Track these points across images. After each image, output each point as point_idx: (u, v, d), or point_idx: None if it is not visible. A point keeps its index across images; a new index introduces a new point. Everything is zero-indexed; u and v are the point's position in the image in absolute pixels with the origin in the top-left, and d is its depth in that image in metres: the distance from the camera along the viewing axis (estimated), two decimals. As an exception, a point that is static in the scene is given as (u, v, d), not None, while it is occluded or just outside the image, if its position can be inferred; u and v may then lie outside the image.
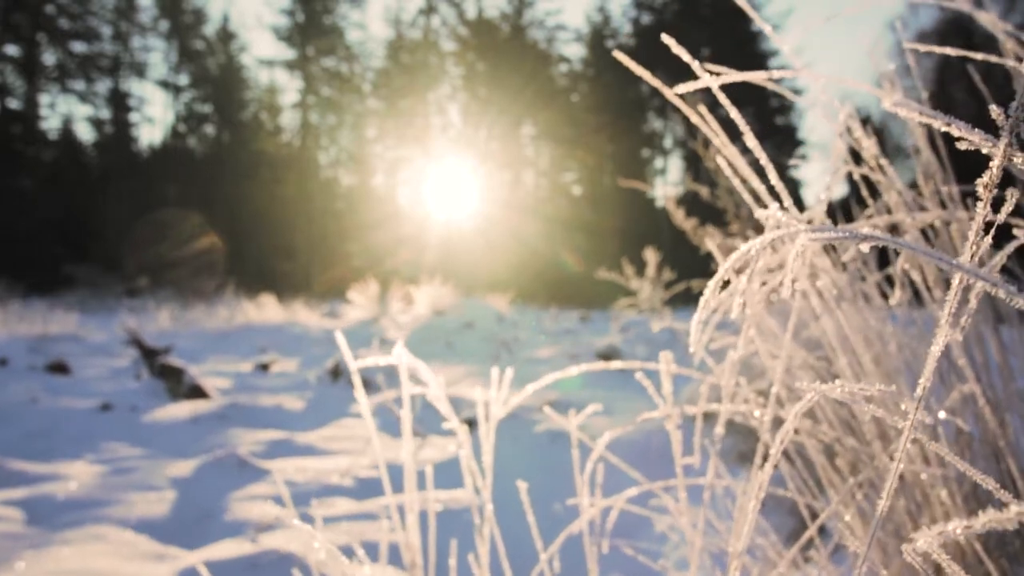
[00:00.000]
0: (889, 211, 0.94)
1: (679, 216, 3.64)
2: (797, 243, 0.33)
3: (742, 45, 37.12)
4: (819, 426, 0.77)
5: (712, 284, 0.44)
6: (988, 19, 0.74)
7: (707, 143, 3.73)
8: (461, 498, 2.64)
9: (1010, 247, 0.37)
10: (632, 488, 0.97)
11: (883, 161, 0.83)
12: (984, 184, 0.30)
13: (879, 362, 0.78)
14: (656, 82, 0.96)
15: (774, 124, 36.64)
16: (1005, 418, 0.73)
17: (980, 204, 0.30)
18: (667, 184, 38.84)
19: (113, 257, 26.73)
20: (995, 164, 0.29)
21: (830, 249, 0.85)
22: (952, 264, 0.28)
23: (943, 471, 0.67)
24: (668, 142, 36.73)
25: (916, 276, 0.89)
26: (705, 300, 0.46)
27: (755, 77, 0.67)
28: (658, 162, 38.72)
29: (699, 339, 0.46)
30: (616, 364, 0.95)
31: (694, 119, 0.84)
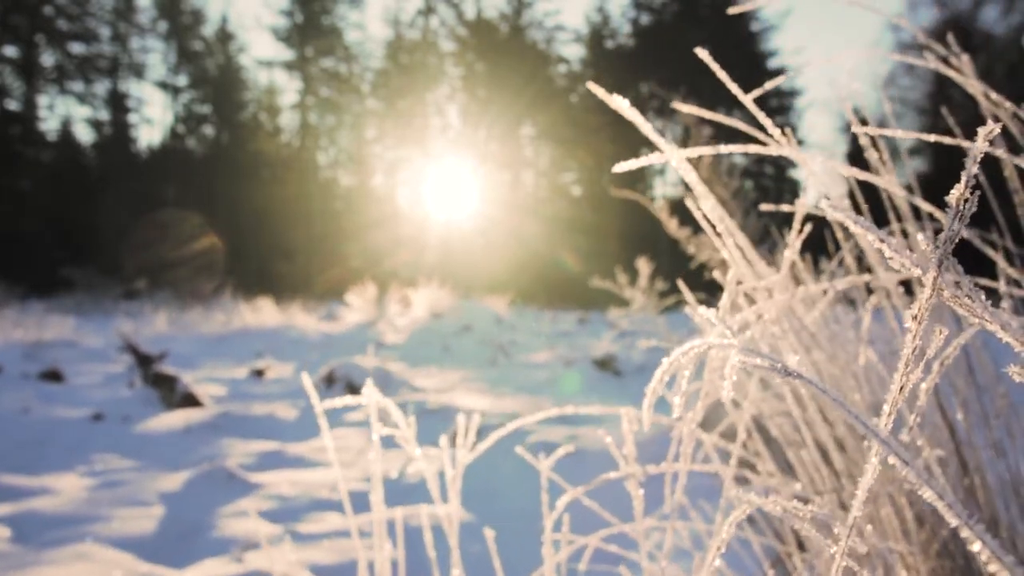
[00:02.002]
0: (862, 263, 0.93)
1: (672, 225, 3.62)
2: (730, 361, 0.32)
3: (741, 45, 37.12)
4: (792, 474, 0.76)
5: (659, 374, 0.43)
6: (963, 80, 0.73)
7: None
8: (451, 512, 2.63)
9: (944, 360, 0.35)
10: (604, 530, 0.95)
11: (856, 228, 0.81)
12: (913, 316, 0.28)
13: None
14: (647, 125, 0.94)
15: (774, 124, 36.52)
16: (975, 480, 0.72)
17: (909, 336, 0.28)
18: (666, 184, 38.84)
19: (112, 258, 26.72)
20: (924, 297, 0.28)
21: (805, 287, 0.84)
22: (869, 429, 0.27)
23: (908, 547, 0.65)
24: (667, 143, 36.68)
25: (891, 320, 0.88)
26: (660, 374, 0.44)
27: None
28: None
29: (651, 409, 0.45)
30: (595, 409, 0.94)
31: (683, 168, 0.83)
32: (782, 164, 36.32)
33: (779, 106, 36.98)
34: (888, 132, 0.49)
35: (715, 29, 36.85)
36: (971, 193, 0.26)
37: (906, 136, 0.52)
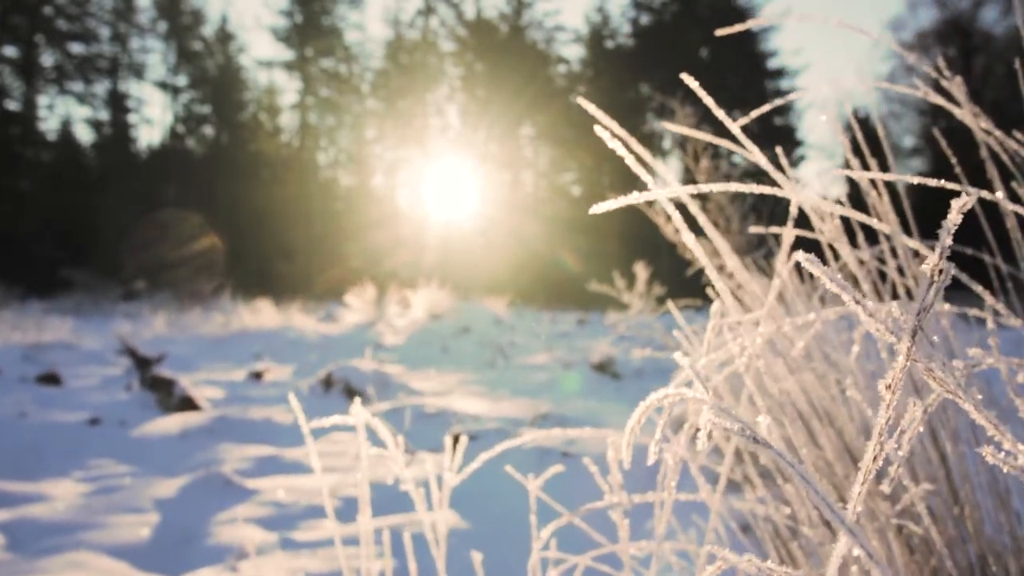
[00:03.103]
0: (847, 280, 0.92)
1: (668, 230, 3.61)
2: (703, 416, 0.31)
3: (740, 45, 37.10)
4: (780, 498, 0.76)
5: (636, 416, 0.43)
6: (959, 112, 0.72)
7: (697, 157, 3.72)
8: (447, 519, 2.62)
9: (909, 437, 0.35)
10: (593, 551, 0.95)
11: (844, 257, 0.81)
12: (887, 385, 0.28)
13: (842, 434, 0.76)
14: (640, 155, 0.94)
15: (773, 125, 36.61)
16: (964, 510, 0.71)
17: (883, 408, 0.28)
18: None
19: (111, 259, 26.72)
20: (898, 367, 0.27)
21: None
22: (836, 515, 0.26)
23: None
24: (667, 143, 36.75)
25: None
26: (637, 417, 0.44)
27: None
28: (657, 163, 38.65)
29: (631, 447, 0.44)
30: (587, 432, 0.93)
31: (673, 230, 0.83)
32: (782, 165, 36.23)
33: (779, 107, 36.95)
34: (882, 176, 0.48)
35: (714, 29, 36.78)
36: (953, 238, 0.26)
37: (897, 178, 0.51)
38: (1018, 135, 0.72)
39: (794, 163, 36.46)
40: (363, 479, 1.02)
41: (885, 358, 0.74)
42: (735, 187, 0.53)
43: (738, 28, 0.70)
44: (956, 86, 0.76)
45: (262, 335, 10.61)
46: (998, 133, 0.71)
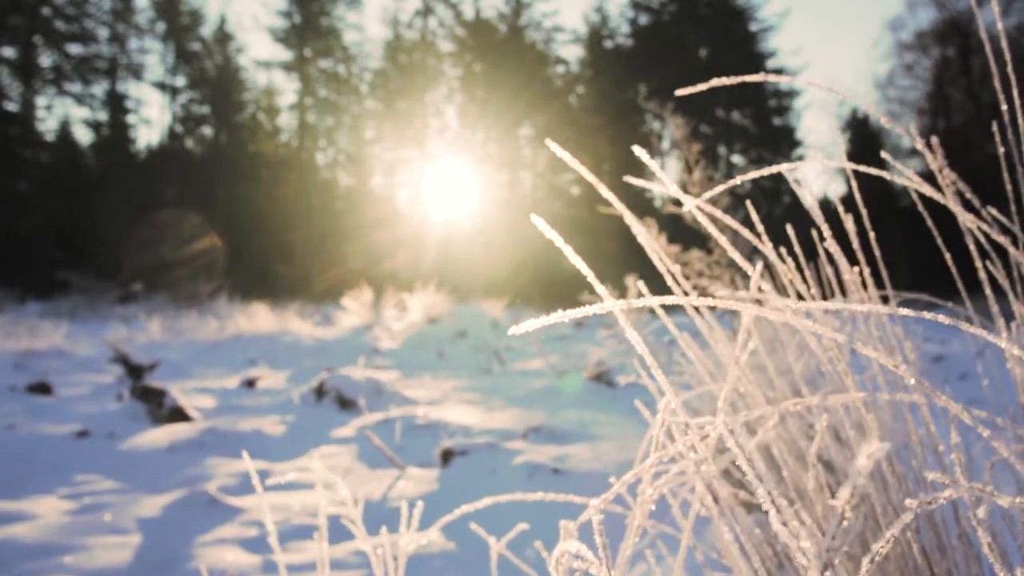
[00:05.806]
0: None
1: (662, 240, 3.59)
2: None
3: (740, 45, 37.08)
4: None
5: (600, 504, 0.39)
6: (949, 193, 0.69)
7: (690, 168, 3.69)
8: (433, 540, 2.59)
9: None
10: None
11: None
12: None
13: (821, 490, 0.73)
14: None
15: (772, 125, 36.60)
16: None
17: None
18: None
19: (110, 260, 26.69)
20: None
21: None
22: None
23: None
24: (666, 144, 36.70)
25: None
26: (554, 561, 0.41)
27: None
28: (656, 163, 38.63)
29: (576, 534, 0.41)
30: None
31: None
32: (780, 164, 36.23)
33: (778, 107, 36.93)
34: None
35: (714, 29, 36.81)
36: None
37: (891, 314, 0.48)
38: (993, 210, 0.69)
39: (793, 163, 36.38)
40: (322, 533, 0.99)
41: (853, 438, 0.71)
42: (721, 318, 0.50)
43: (757, 78, 0.67)
44: (935, 158, 0.73)
45: (258, 339, 10.59)
46: (980, 224, 0.68)
